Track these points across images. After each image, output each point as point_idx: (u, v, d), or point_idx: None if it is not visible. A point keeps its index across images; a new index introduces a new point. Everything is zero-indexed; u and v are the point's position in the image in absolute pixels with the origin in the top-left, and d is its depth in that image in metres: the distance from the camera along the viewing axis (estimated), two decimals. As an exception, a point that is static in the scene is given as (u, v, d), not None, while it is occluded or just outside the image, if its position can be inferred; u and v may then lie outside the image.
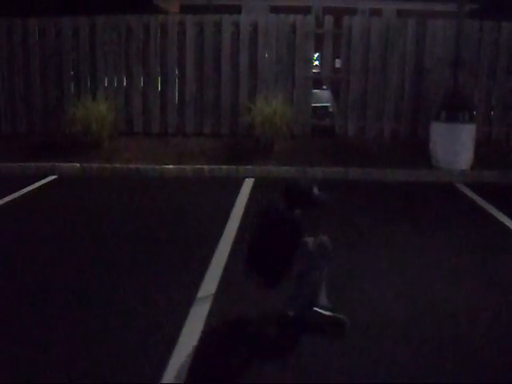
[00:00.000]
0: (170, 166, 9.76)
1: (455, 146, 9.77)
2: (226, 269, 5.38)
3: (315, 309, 4.13)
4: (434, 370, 3.73)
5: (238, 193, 8.46)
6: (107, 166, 9.81)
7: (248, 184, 9.06)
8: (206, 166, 9.75)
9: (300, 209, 4.15)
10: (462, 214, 7.65)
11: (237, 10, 20.25)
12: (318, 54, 13.18)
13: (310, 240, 4.13)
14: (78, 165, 9.81)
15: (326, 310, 4.16)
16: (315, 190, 4.13)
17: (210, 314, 4.44)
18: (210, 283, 5.03)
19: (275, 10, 19.95)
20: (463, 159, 9.84)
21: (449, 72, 10.55)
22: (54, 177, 9.50)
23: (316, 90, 12.22)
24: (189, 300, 4.66)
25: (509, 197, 8.60)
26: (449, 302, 4.78)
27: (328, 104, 13.23)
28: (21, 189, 8.49)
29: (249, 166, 9.73)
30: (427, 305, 4.70)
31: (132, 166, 9.79)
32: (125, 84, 11.67)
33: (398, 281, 5.22)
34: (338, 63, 12.67)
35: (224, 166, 9.76)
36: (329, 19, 11.45)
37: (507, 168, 9.80)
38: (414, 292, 4.96)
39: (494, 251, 6.15)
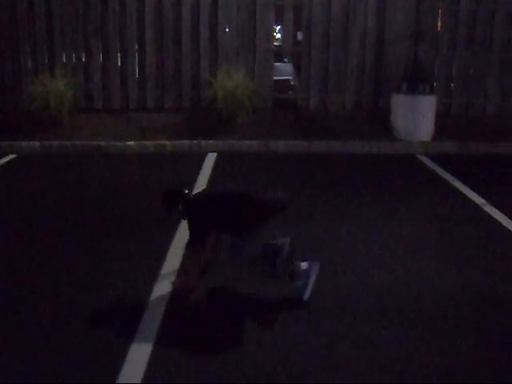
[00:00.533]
0: (132, 143, 9.66)
1: (416, 118, 9.85)
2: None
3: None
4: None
5: (201, 167, 8.42)
6: (67, 143, 9.67)
7: (211, 158, 9.01)
8: (168, 142, 9.67)
9: None
10: (423, 185, 7.74)
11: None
12: (279, 26, 13.09)
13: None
14: (38, 143, 9.64)
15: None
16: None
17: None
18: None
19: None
20: (424, 131, 9.93)
21: (409, 43, 10.58)
22: (12, 156, 9.32)
23: (277, 63, 12.16)
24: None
25: (468, 167, 8.74)
26: (402, 271, 4.84)
27: (290, 77, 13.19)
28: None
29: (211, 141, 9.67)
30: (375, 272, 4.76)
31: (93, 143, 9.66)
32: (83, 59, 11.43)
33: (355, 254, 5.27)
34: (300, 36, 12.60)
35: (186, 141, 9.69)
36: (289, -10, 11.37)
37: (467, 139, 9.92)
38: (368, 262, 5.02)
39: (454, 221, 6.24)
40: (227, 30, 11.31)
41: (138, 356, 3.56)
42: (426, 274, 4.83)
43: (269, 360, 3.52)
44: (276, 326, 3.96)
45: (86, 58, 11.44)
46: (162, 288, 4.46)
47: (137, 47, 11.38)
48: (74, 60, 11.40)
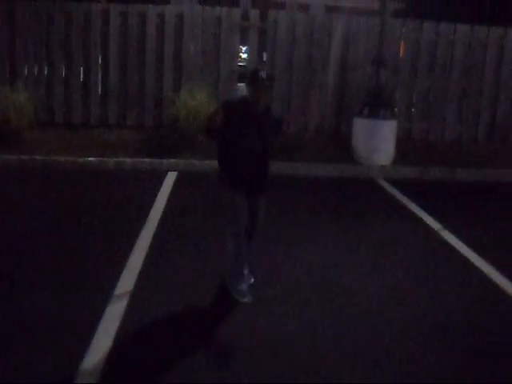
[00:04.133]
0: (92, 159, 9.54)
1: (376, 142, 9.94)
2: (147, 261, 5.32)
3: None
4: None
5: (161, 186, 8.36)
6: (26, 158, 9.50)
7: (171, 177, 8.95)
8: (128, 159, 9.59)
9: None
10: (380, 208, 7.81)
11: (164, 0, 20.00)
12: (246, 47, 13.15)
13: None
14: (-5, 156, 9.47)
15: None
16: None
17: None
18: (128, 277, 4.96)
19: (204, 1, 19.79)
20: (384, 155, 10.03)
21: (372, 69, 10.73)
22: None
23: (241, 84, 12.19)
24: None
25: (427, 192, 8.85)
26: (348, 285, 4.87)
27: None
28: None
29: (172, 160, 9.62)
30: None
31: (52, 158, 9.51)
32: (46, 73, 11.30)
33: (306, 273, 5.28)
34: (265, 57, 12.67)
35: (147, 159, 9.62)
36: (254, 13, 11.43)
37: (426, 164, 10.05)
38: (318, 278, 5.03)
39: (408, 245, 6.30)
40: (192, 49, 11.31)
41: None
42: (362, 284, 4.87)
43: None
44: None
45: (48, 72, 11.31)
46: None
47: (100, 62, 11.30)
48: (35, 73, 11.26)
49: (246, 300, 4.67)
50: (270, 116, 4.85)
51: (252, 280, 4.91)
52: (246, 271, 4.84)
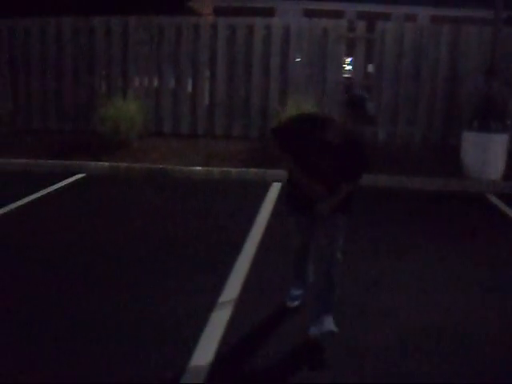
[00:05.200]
0: (198, 168, 9.75)
1: (486, 156, 9.59)
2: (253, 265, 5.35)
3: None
4: None
5: (265, 196, 8.42)
6: (135, 165, 9.84)
7: (275, 188, 9.00)
8: (233, 169, 9.72)
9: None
10: (492, 226, 7.50)
11: (270, 12, 20.23)
12: (351, 58, 13.06)
13: None
14: (107, 164, 9.85)
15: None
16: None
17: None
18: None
19: (309, 13, 19.87)
20: (494, 169, 9.65)
21: (484, 80, 10.36)
22: (82, 175, 9.55)
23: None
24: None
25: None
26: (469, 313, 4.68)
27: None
28: (50, 185, 8.63)
29: (277, 170, 9.67)
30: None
31: (160, 166, 9.80)
32: (156, 85, 11.69)
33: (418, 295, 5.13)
34: (371, 68, 12.55)
35: (252, 169, 9.72)
36: (361, 24, 11.37)
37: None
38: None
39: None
40: (298, 60, 11.36)
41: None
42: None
43: None
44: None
45: (157, 84, 11.68)
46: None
47: (208, 75, 11.56)
48: (146, 85, 11.66)
49: (293, 304, 4.61)
50: (353, 151, 3.97)
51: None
52: (303, 286, 4.70)
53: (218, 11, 21.89)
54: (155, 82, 11.72)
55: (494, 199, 8.86)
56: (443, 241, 6.67)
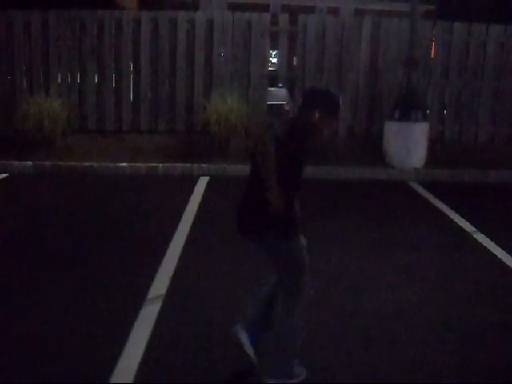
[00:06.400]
0: (124, 164, 9.66)
1: (408, 145, 9.87)
2: (177, 269, 5.36)
3: None
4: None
5: (193, 190, 8.42)
6: (60, 164, 9.65)
7: (202, 183, 9.00)
8: (160, 164, 9.67)
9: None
10: (414, 212, 7.75)
11: (195, 5, 20.16)
12: (276, 51, 13.16)
13: None
14: (31, 163, 9.62)
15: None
16: None
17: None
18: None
19: (234, 7, 19.87)
20: (416, 158, 9.96)
21: (403, 71, 10.64)
22: (4, 175, 9.30)
23: (272, 88, 12.20)
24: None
25: (460, 194, 8.75)
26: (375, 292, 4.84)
27: (284, 102, 13.21)
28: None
29: (204, 165, 9.68)
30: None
31: (86, 163, 9.65)
32: (78, 80, 11.45)
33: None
34: (295, 61, 12.67)
35: (179, 164, 9.69)
36: (284, 17, 11.46)
37: (459, 166, 9.95)
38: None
39: (442, 248, 6.24)
40: (222, 54, 11.37)
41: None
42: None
43: None
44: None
45: (80, 79, 11.45)
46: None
47: (132, 69, 11.42)
48: (69, 81, 11.40)
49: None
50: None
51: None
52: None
53: (143, 5, 21.66)
54: (78, 78, 11.47)
55: (416, 186, 9.14)
56: (366, 226, 6.86)
